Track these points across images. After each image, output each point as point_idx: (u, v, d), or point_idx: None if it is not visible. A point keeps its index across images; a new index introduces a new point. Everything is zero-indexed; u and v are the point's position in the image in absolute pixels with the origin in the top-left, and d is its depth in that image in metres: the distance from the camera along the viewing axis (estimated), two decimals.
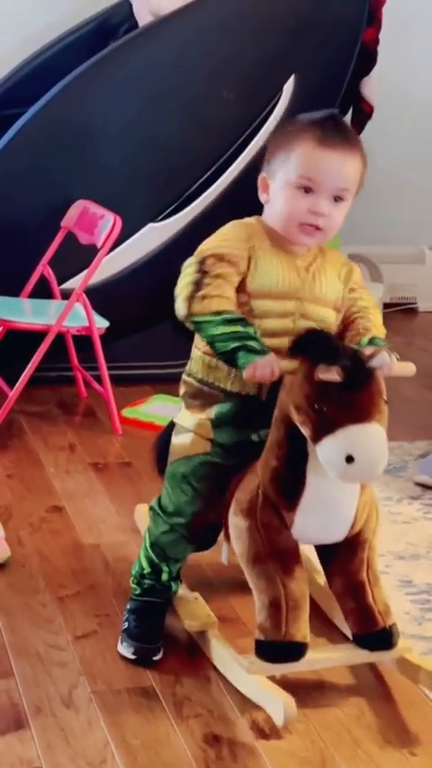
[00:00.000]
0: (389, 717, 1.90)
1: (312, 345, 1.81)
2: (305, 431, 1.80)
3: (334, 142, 1.88)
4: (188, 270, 1.88)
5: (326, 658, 1.96)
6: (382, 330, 1.99)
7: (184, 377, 2.03)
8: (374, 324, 1.98)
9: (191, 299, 1.85)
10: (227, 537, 2.01)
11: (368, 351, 1.81)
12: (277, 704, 1.82)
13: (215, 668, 2.01)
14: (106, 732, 1.82)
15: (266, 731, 1.84)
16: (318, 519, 1.87)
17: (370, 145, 4.70)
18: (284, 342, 1.88)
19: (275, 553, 1.88)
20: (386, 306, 4.41)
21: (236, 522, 1.91)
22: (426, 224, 4.70)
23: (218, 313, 1.84)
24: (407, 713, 1.92)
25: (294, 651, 1.88)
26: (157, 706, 1.89)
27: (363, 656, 1.97)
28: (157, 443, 2.15)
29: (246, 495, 1.91)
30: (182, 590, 2.14)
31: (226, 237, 1.91)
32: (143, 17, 3.60)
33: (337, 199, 1.90)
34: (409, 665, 1.97)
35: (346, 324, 1.99)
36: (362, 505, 1.90)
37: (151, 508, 2.07)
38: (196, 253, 1.91)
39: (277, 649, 1.88)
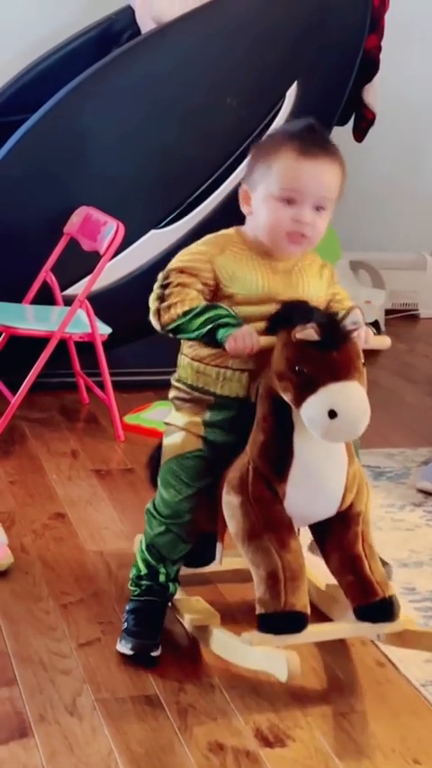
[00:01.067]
0: (393, 726, 1.90)
1: (287, 314, 1.89)
2: (288, 397, 1.86)
3: (314, 152, 1.94)
4: (155, 286, 1.99)
5: (329, 630, 1.99)
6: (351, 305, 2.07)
7: (173, 382, 2.09)
8: (344, 305, 2.07)
9: (158, 312, 1.96)
10: (221, 536, 2.04)
11: (342, 313, 1.91)
12: (280, 660, 1.83)
13: (219, 675, 2.00)
14: (110, 740, 1.81)
15: (270, 739, 1.84)
16: (308, 490, 1.91)
17: (373, 152, 4.74)
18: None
19: (269, 526, 1.91)
20: (388, 312, 4.41)
21: (228, 500, 1.94)
22: (427, 230, 4.71)
23: (186, 313, 1.93)
24: (411, 722, 1.91)
25: (295, 621, 1.90)
26: (161, 714, 1.89)
27: (365, 628, 1.98)
28: (151, 460, 2.17)
29: (236, 472, 1.94)
30: (182, 594, 2.15)
31: (187, 252, 2.00)
32: (146, 24, 3.61)
33: (319, 208, 1.96)
34: (413, 635, 1.97)
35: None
36: (351, 477, 1.94)
37: (147, 511, 2.08)
38: (166, 268, 2.00)
39: (278, 620, 1.89)
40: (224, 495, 1.96)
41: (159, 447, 2.13)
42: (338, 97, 3.70)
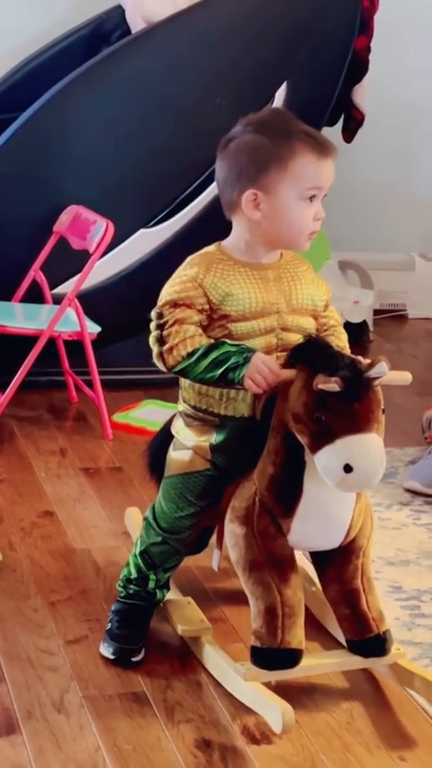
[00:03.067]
0: (379, 722, 1.91)
1: (310, 354, 1.82)
2: (303, 440, 1.81)
3: (327, 149, 1.93)
4: (151, 327, 1.92)
5: (320, 664, 1.97)
6: (347, 347, 2.01)
7: (180, 400, 2.03)
8: (342, 342, 2.01)
9: (161, 355, 1.90)
10: (219, 544, 2.01)
11: (367, 360, 1.82)
12: (275, 712, 1.82)
13: (206, 673, 2.01)
14: (97, 737, 1.82)
15: (257, 736, 1.85)
16: (314, 526, 1.88)
17: (361, 153, 4.74)
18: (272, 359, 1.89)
19: (272, 560, 1.89)
20: (376, 312, 4.42)
21: (232, 530, 1.92)
22: (416, 231, 4.72)
23: (189, 355, 1.87)
24: (397, 719, 1.92)
25: (290, 658, 1.89)
26: (149, 711, 1.90)
27: (356, 662, 1.98)
28: (149, 448, 2.15)
29: (242, 502, 1.91)
30: (174, 594, 2.15)
31: (175, 281, 1.92)
32: (136, 23, 3.61)
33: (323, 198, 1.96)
34: (402, 670, 1.98)
35: None
36: (357, 513, 1.91)
37: (145, 519, 2.07)
38: (158, 303, 1.93)
39: (273, 656, 1.89)
40: (228, 523, 1.93)
41: (159, 435, 2.10)
42: (328, 98, 3.71)
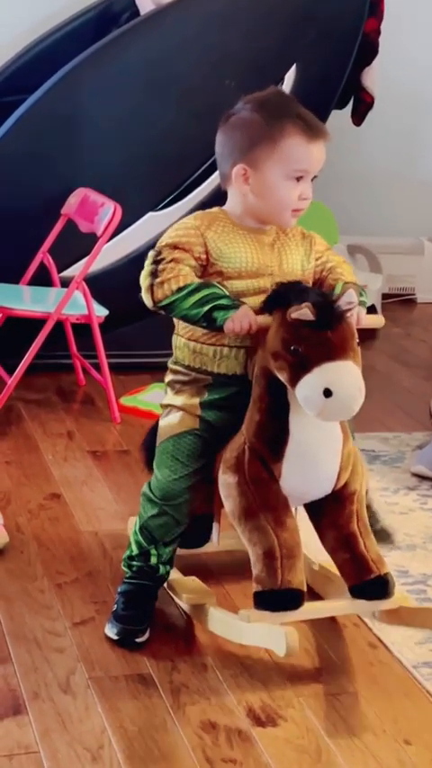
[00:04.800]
0: (384, 706, 1.91)
1: (283, 294, 1.90)
2: (283, 376, 1.87)
3: (318, 133, 1.99)
4: (146, 263, 1.99)
5: (325, 608, 2.01)
6: (354, 278, 2.08)
7: (170, 365, 2.09)
8: (344, 274, 2.07)
9: (151, 288, 1.96)
10: (217, 517, 2.05)
11: (336, 294, 1.91)
12: (279, 635, 1.84)
13: (212, 655, 2.02)
14: (103, 718, 1.83)
15: (263, 719, 1.85)
16: (303, 468, 1.93)
17: (370, 136, 4.72)
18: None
19: (266, 505, 1.92)
20: (385, 296, 4.41)
21: (224, 480, 1.96)
22: (425, 215, 4.70)
23: (180, 289, 1.93)
24: (402, 703, 1.93)
25: (292, 598, 1.92)
26: (155, 693, 1.90)
27: (361, 605, 2.00)
28: (146, 443, 2.18)
29: (232, 452, 1.96)
30: (178, 574, 2.16)
31: (179, 227, 2.01)
32: (145, 5, 3.59)
33: (312, 178, 2.01)
34: (410, 611, 1.99)
35: (319, 285, 2.07)
36: (345, 457, 1.96)
37: (142, 493, 2.09)
38: (158, 244, 2.00)
39: (275, 597, 1.91)
40: (220, 475, 1.97)
41: (153, 430, 2.13)
42: (337, 80, 3.69)
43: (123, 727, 1.81)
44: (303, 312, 1.84)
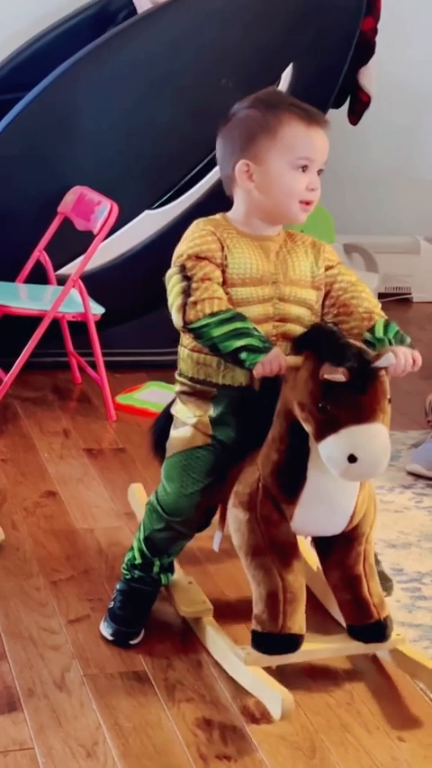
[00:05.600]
0: (378, 703, 1.92)
1: (318, 341, 1.81)
2: (308, 428, 1.80)
3: (317, 120, 1.95)
4: (173, 280, 1.90)
5: (320, 649, 1.97)
6: (378, 306, 1.99)
7: (176, 377, 2.04)
8: (371, 302, 1.98)
9: (184, 307, 1.86)
10: (221, 525, 2.02)
11: (374, 352, 1.81)
12: (275, 698, 1.83)
13: (207, 653, 2.02)
14: (98, 715, 1.83)
15: (257, 716, 1.86)
16: (317, 513, 1.88)
17: (367, 135, 4.73)
18: (268, 327, 1.91)
19: (274, 546, 1.89)
20: (381, 296, 4.41)
21: (235, 515, 1.92)
22: (421, 214, 4.71)
23: (213, 314, 1.84)
24: (397, 699, 1.93)
25: (290, 643, 1.90)
26: (149, 690, 1.91)
27: (356, 647, 1.98)
28: (155, 427, 2.15)
29: (246, 488, 1.91)
30: (176, 573, 2.15)
31: (195, 236, 1.93)
32: (142, 4, 3.60)
33: (319, 172, 1.96)
34: (402, 656, 1.99)
35: (338, 305, 1.98)
36: (361, 500, 1.91)
37: (148, 503, 2.06)
38: (173, 260, 1.93)
39: (274, 641, 1.89)
40: (231, 508, 1.93)
41: (162, 416, 2.10)
42: (334, 79, 3.70)
43: (118, 723, 1.81)
44: (338, 377, 1.73)
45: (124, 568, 2.10)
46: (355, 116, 3.91)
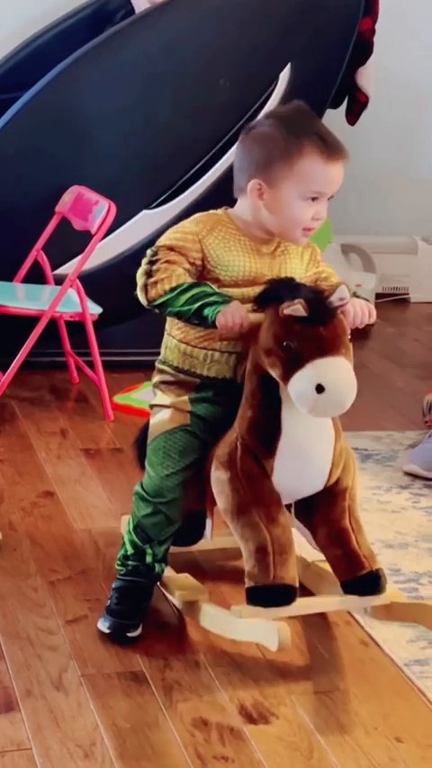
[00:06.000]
0: (376, 704, 1.92)
1: (275, 290, 1.91)
2: (276, 372, 1.88)
3: (337, 155, 1.98)
4: (143, 262, 2.01)
5: (317, 603, 2.01)
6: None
7: (158, 365, 2.10)
8: (337, 280, 2.08)
9: (145, 287, 1.98)
10: (211, 511, 2.05)
11: (328, 289, 1.92)
12: (271, 629, 1.85)
13: (205, 653, 2.02)
14: (96, 715, 1.83)
15: (255, 716, 1.86)
16: (295, 465, 1.93)
17: (364, 135, 4.73)
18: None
19: (258, 501, 1.93)
20: (378, 296, 4.42)
21: (217, 476, 1.96)
22: (419, 215, 4.71)
23: (172, 289, 1.95)
24: (394, 701, 1.93)
25: (284, 594, 1.92)
26: (147, 690, 1.91)
27: (353, 601, 2.00)
28: (138, 441, 2.18)
29: (224, 448, 1.96)
30: (171, 572, 2.16)
31: (177, 230, 2.02)
32: (140, 4, 3.59)
33: (329, 198, 2.02)
34: (401, 606, 2.00)
35: None
36: (337, 453, 1.96)
37: (135, 492, 2.09)
38: (156, 244, 2.02)
39: (267, 593, 1.92)
40: (213, 471, 1.98)
41: (146, 427, 2.14)
42: (332, 80, 3.70)
43: (116, 724, 1.81)
44: (296, 308, 1.84)
45: (118, 565, 2.11)
46: (352, 116, 3.91)
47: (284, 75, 3.58)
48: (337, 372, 1.84)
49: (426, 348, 4.11)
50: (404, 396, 3.49)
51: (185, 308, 1.93)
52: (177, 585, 2.13)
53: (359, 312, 1.96)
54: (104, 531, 2.46)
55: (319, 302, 1.87)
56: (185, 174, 3.51)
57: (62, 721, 1.81)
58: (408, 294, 4.62)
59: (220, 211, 2.05)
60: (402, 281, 4.61)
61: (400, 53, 4.42)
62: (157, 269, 1.97)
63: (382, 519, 2.60)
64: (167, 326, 2.08)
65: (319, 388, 1.82)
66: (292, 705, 1.89)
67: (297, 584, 1.94)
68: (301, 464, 1.94)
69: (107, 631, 2.04)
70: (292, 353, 1.85)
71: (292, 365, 1.85)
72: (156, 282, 1.96)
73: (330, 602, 2.02)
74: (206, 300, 1.92)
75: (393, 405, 3.40)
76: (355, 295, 2.02)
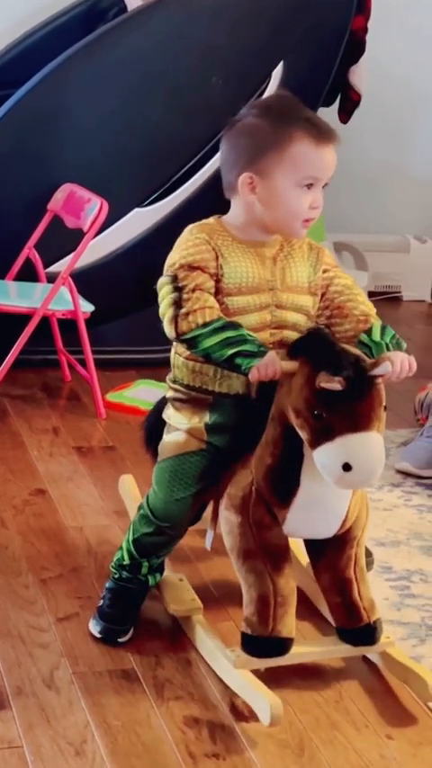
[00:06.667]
0: (366, 701, 1.92)
1: (314, 348, 1.80)
2: (303, 435, 1.79)
3: (327, 137, 1.90)
4: (164, 290, 1.88)
5: (310, 652, 1.98)
6: (373, 309, 1.98)
7: (169, 383, 2.01)
8: (366, 305, 1.97)
9: (175, 318, 1.85)
10: (213, 524, 2.02)
11: (371, 360, 1.81)
12: (264, 704, 1.82)
13: (196, 651, 2.02)
14: (87, 713, 1.83)
15: (246, 714, 1.86)
16: (310, 517, 1.88)
17: (357, 134, 4.72)
18: (265, 335, 1.89)
19: (266, 550, 1.89)
20: (371, 294, 4.42)
21: (227, 517, 1.92)
22: (411, 213, 4.72)
23: (205, 324, 1.83)
24: (384, 698, 1.94)
25: (280, 646, 1.90)
26: (138, 688, 1.91)
27: (346, 650, 1.99)
28: (146, 423, 2.14)
29: (238, 491, 1.90)
30: (166, 571, 2.15)
31: (188, 245, 1.90)
32: (132, 2, 3.59)
33: (324, 185, 1.94)
34: (391, 660, 1.99)
35: (332, 307, 1.97)
36: (353, 504, 1.91)
37: (139, 507, 2.05)
38: (165, 269, 1.90)
39: (263, 644, 1.89)
40: (223, 511, 1.93)
41: (157, 407, 2.08)
42: (324, 78, 3.70)
43: (107, 722, 1.81)
44: (334, 385, 1.72)
45: (113, 567, 2.09)
46: (345, 115, 3.91)
47: (277, 74, 3.58)
48: (366, 451, 1.74)
49: (418, 346, 4.11)
50: (396, 394, 3.47)
51: (218, 351, 1.81)
52: (171, 596, 2.09)
53: (398, 369, 1.83)
54: (96, 529, 2.46)
55: (360, 378, 1.74)
56: (178, 171, 3.51)
57: (53, 719, 1.81)
58: (400, 292, 4.62)
59: (212, 220, 1.96)
60: (395, 279, 4.61)
61: (394, 51, 4.43)
62: (187, 298, 1.84)
63: (374, 517, 2.59)
64: (174, 344, 1.97)
65: (346, 467, 1.73)
66: (283, 703, 1.88)
67: (293, 636, 1.91)
68: (314, 517, 1.88)
69: (98, 636, 2.03)
70: (323, 423, 1.74)
71: (321, 435, 1.75)
72: (187, 314, 1.83)
73: (323, 651, 1.98)
74: (241, 348, 1.80)
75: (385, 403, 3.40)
76: (398, 347, 1.88)
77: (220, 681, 1.94)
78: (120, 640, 2.03)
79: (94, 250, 3.33)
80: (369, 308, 1.97)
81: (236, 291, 1.90)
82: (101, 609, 2.06)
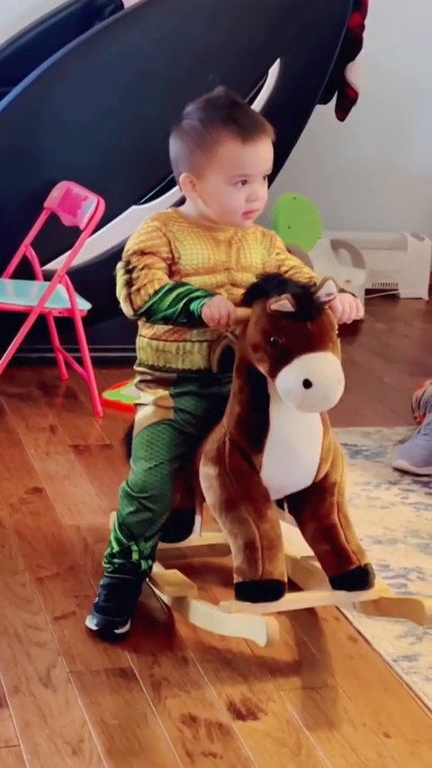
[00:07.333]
0: (364, 700, 1.92)
1: (263, 286, 1.91)
2: (263, 368, 1.88)
3: (255, 135, 1.98)
4: (119, 274, 2.00)
5: (305, 599, 2.01)
6: (320, 279, 2.06)
7: (135, 368, 2.10)
8: (313, 274, 2.09)
9: (129, 297, 1.97)
10: (200, 508, 2.06)
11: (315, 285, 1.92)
12: (259, 625, 1.85)
13: (193, 649, 2.02)
14: (84, 712, 1.83)
15: (243, 712, 1.86)
16: (284, 460, 1.94)
17: (354, 131, 4.73)
18: None
19: (247, 497, 1.93)
20: (368, 292, 4.42)
21: (205, 472, 1.97)
22: (408, 211, 4.71)
23: (156, 292, 1.94)
24: (382, 697, 1.93)
25: (273, 589, 1.92)
26: (135, 687, 1.91)
27: (342, 596, 2.00)
28: (127, 437, 2.18)
29: (213, 443, 1.97)
30: (159, 568, 2.16)
31: (141, 232, 2.01)
32: None
33: (264, 177, 2.02)
34: (389, 602, 2.00)
35: None
36: (326, 448, 1.97)
37: (121, 489, 2.08)
38: (122, 255, 2.01)
39: (256, 588, 1.92)
40: (201, 467, 1.98)
41: (132, 426, 2.13)
42: (321, 75, 3.70)
43: (104, 720, 1.81)
44: (283, 303, 1.84)
45: (105, 562, 2.10)
46: (342, 112, 3.92)
47: (274, 71, 3.58)
48: (324, 367, 1.84)
49: (415, 344, 4.12)
50: (393, 391, 3.49)
51: (171, 309, 1.93)
52: (166, 582, 2.13)
53: (347, 307, 1.96)
54: (93, 528, 2.46)
55: (307, 297, 1.87)
56: None
57: (50, 718, 1.81)
58: (397, 290, 4.62)
59: (170, 210, 2.08)
60: (392, 276, 4.61)
61: (391, 48, 4.43)
62: (136, 276, 1.96)
63: (372, 515, 2.60)
64: (139, 326, 2.08)
65: (307, 384, 1.82)
66: (280, 701, 1.89)
67: (285, 580, 1.94)
68: (289, 460, 1.94)
69: (95, 628, 2.04)
70: (280, 349, 1.85)
71: (279, 361, 1.85)
72: (139, 289, 1.95)
73: (319, 596, 2.02)
74: (191, 296, 1.92)
75: (382, 400, 3.41)
76: (342, 290, 2.01)
77: (218, 678, 1.94)
78: (117, 632, 2.03)
79: (90, 248, 3.33)
80: (315, 275, 2.08)
81: (193, 272, 2.00)
82: (97, 604, 2.07)
